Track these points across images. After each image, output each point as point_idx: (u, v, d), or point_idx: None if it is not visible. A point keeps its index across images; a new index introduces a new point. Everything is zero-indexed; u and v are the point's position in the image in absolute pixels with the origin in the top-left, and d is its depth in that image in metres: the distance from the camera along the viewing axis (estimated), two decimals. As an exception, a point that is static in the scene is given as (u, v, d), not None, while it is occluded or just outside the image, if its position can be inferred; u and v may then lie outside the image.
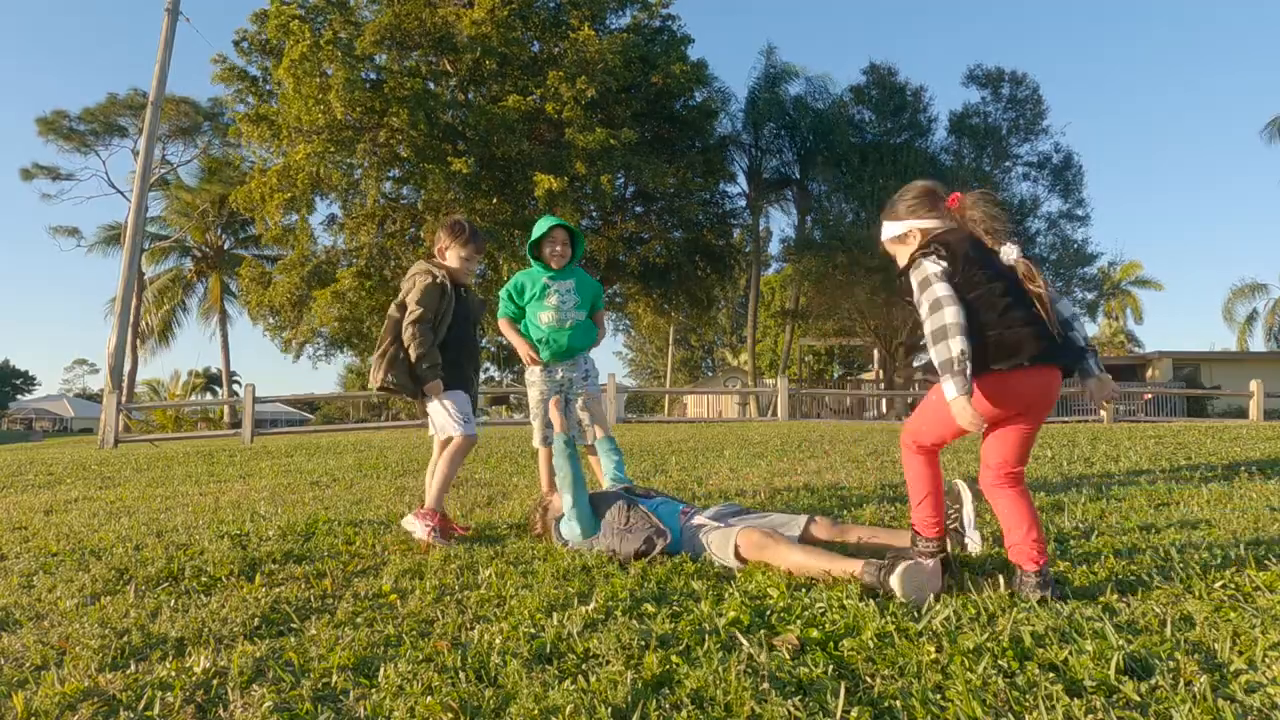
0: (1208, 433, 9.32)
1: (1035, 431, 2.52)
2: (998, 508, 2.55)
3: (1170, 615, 2.13)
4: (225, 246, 37.46)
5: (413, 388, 3.79)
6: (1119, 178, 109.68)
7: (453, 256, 3.89)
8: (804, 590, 2.52)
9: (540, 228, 4.16)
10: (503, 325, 4.29)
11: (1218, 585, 2.41)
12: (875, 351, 29.92)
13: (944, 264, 2.39)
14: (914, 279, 2.45)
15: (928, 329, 2.36)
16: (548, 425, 4.06)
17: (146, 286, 34.86)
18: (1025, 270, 2.42)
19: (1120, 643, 1.91)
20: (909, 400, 25.12)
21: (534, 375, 4.22)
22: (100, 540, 3.86)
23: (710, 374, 54.52)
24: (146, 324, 35.22)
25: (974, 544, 2.91)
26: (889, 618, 2.16)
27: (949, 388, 2.31)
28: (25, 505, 5.65)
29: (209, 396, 55.23)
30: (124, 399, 21.62)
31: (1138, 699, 1.62)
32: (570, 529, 3.29)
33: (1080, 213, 25.19)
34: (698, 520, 3.22)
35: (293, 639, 2.26)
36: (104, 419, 17.50)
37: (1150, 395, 26.69)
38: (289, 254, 22.19)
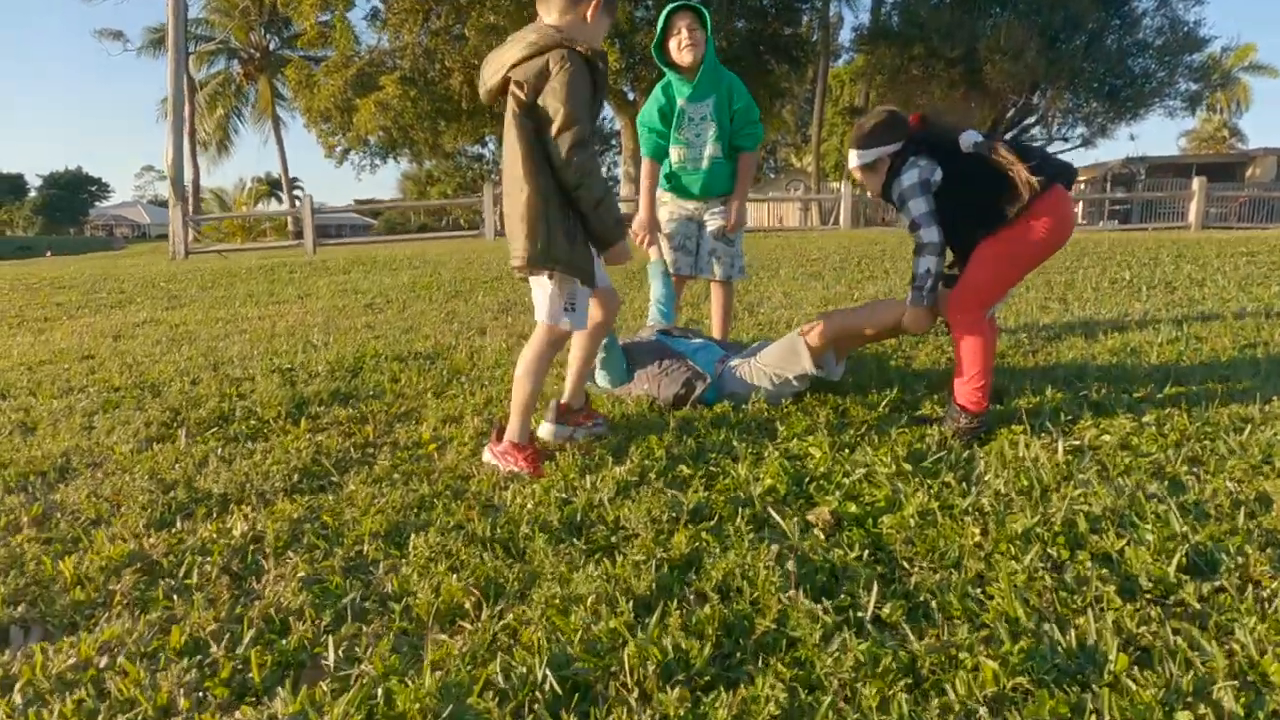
0: (1308, 247, 8.62)
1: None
2: (968, 344, 2.56)
3: (1245, 495, 1.98)
4: (271, 47, 36.32)
5: (588, 264, 2.38)
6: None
7: (601, 18, 2.36)
8: (847, 451, 2.42)
9: (661, 17, 3.50)
10: (646, 170, 3.70)
11: (1302, 455, 2.22)
12: (949, 151, 28.18)
13: (919, 171, 2.52)
14: (894, 193, 2.58)
15: (916, 237, 2.58)
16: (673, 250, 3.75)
17: (198, 90, 34.38)
18: (985, 149, 2.48)
19: (1184, 530, 1.78)
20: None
21: (664, 196, 3.78)
22: (160, 374, 3.96)
23: (773, 175, 52.60)
24: (204, 131, 35.12)
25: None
26: (933, 494, 2.05)
27: (912, 297, 2.63)
28: (97, 329, 5.86)
29: (273, 203, 55.90)
30: (189, 210, 22.01)
31: (1197, 606, 1.51)
32: (602, 376, 3.21)
33: (1196, -13, 22.30)
34: (735, 362, 3.11)
35: (330, 497, 2.28)
36: (172, 230, 17.95)
37: (1246, 198, 24.86)
38: (332, 54, 21.38)
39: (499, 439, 2.51)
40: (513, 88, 2.25)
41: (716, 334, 3.92)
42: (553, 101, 2.19)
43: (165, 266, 12.78)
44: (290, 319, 5.87)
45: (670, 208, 3.78)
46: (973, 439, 2.51)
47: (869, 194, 2.78)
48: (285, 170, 38.76)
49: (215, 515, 2.20)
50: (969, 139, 2.53)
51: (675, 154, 3.66)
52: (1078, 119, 23.87)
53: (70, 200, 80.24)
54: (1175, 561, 1.63)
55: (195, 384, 3.76)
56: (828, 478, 2.22)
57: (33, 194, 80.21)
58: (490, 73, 2.36)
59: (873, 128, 2.63)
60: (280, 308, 6.69)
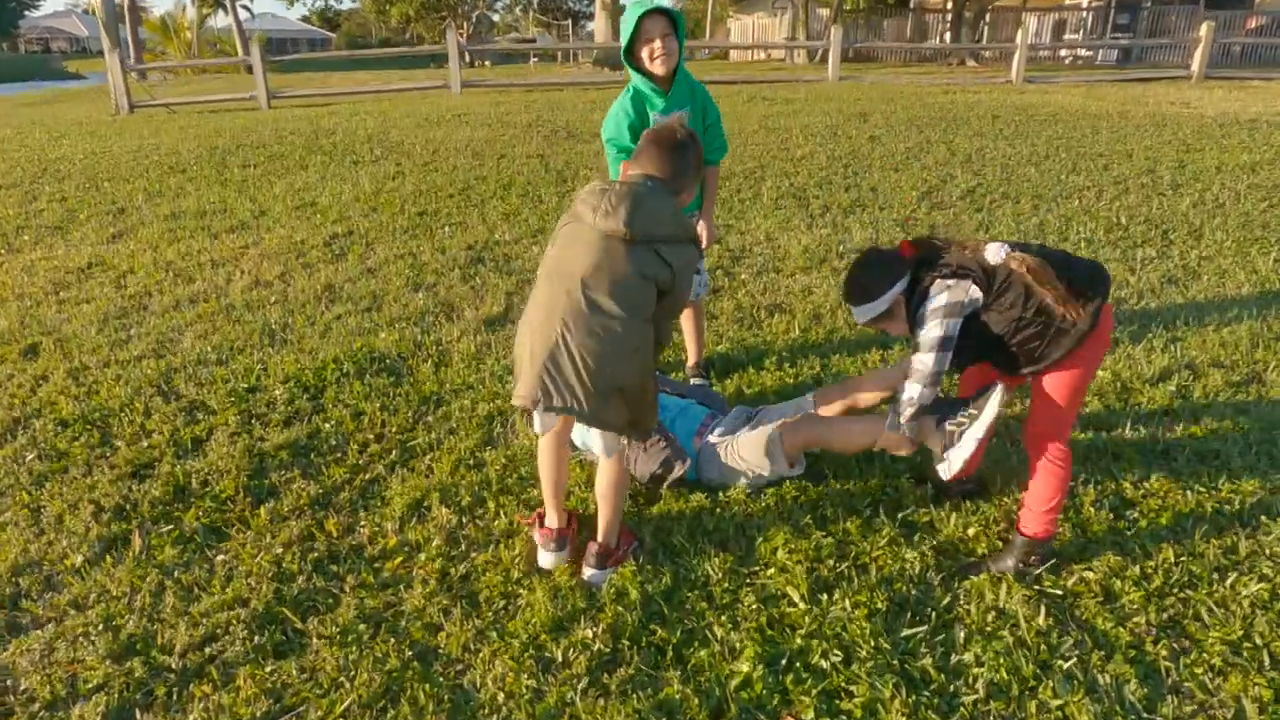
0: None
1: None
2: (1050, 476, 2.37)
3: (1221, 712, 1.96)
4: None
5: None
6: None
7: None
8: (825, 598, 2.37)
9: (630, 20, 3.10)
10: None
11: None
12: (948, -23, 26.34)
13: (950, 294, 2.22)
14: (920, 315, 2.27)
15: (914, 360, 2.32)
16: None
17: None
18: (1017, 263, 2.20)
19: (1158, 783, 1.77)
20: (976, 52, 22.88)
21: None
22: (109, 396, 3.77)
23: (760, -12, 49.02)
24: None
25: (947, 469, 2.47)
26: (909, 706, 2.01)
27: (889, 419, 2.49)
28: (39, 277, 5.54)
29: (220, 15, 51.60)
30: (129, 57, 20.41)
31: None
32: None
33: None
34: (713, 438, 3.02)
35: (293, 667, 2.22)
36: (111, 82, 16.67)
37: (1255, 24, 23.67)
38: None
39: (593, 553, 2.52)
40: (662, 254, 2.24)
41: (692, 358, 3.77)
42: (678, 293, 2.30)
43: (111, 141, 11.90)
44: (246, 271, 5.55)
45: None
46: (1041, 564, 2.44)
47: (892, 333, 2.46)
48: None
49: (175, 701, 2.14)
50: (997, 251, 2.23)
51: None
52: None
53: (-4, 11, 73.99)
54: None
55: (148, 416, 3.59)
56: (804, 656, 2.17)
57: (-47, 5, 73.67)
58: (633, 219, 2.21)
59: (873, 276, 2.30)
60: (235, 239, 6.33)
